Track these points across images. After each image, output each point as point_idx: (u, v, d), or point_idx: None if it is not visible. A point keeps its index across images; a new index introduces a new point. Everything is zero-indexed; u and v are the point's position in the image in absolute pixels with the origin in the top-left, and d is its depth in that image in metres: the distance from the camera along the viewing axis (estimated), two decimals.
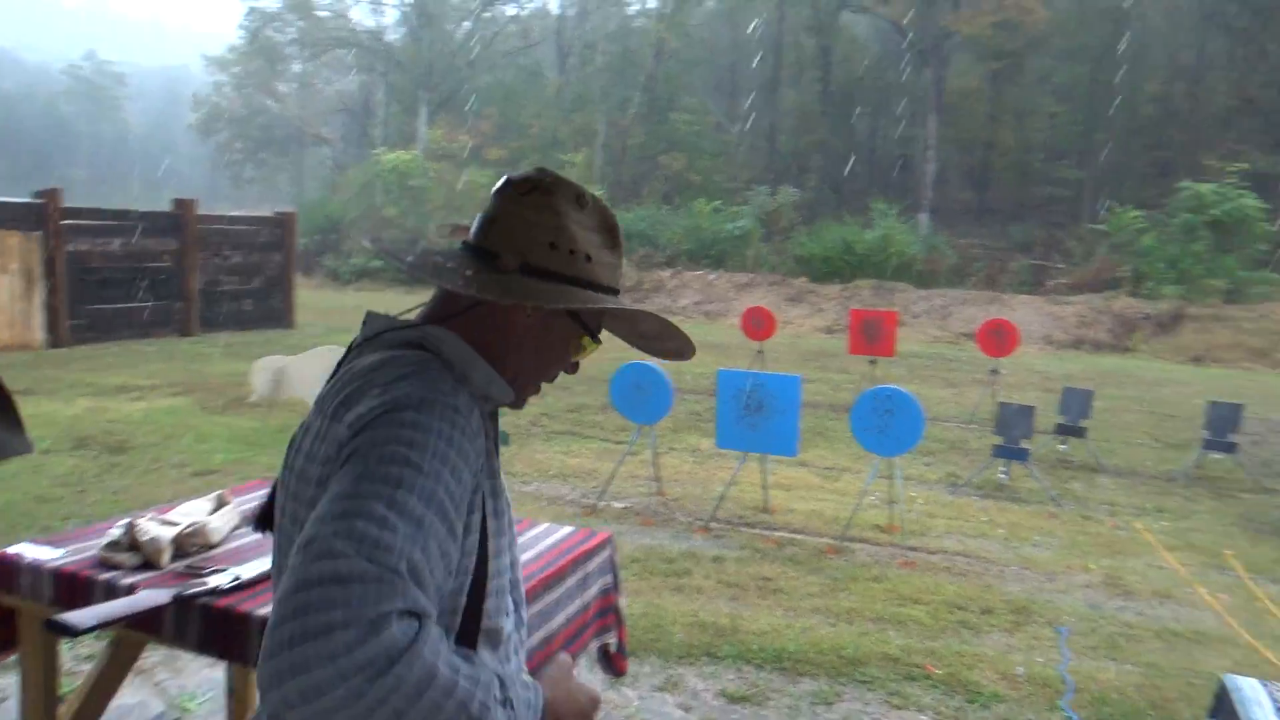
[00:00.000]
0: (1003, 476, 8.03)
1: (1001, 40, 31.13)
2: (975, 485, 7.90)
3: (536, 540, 2.51)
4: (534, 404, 10.91)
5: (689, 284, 25.94)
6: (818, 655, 4.40)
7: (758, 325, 12.99)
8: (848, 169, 34.23)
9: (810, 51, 36.95)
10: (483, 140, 37.80)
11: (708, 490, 7.31)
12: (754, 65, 38.34)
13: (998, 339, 11.01)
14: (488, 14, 45.53)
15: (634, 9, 43.99)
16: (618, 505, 6.88)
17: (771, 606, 5.03)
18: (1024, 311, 21.83)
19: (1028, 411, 7.74)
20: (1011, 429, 7.72)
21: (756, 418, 6.43)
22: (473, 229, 1.24)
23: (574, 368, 1.31)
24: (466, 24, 45.89)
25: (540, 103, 40.48)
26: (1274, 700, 2.03)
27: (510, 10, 46.65)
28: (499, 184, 1.24)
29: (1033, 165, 33.23)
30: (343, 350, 1.33)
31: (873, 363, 12.09)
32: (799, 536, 6.29)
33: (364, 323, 1.26)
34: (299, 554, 0.92)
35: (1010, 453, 7.74)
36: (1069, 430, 8.90)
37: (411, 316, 1.28)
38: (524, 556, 2.39)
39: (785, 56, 37.88)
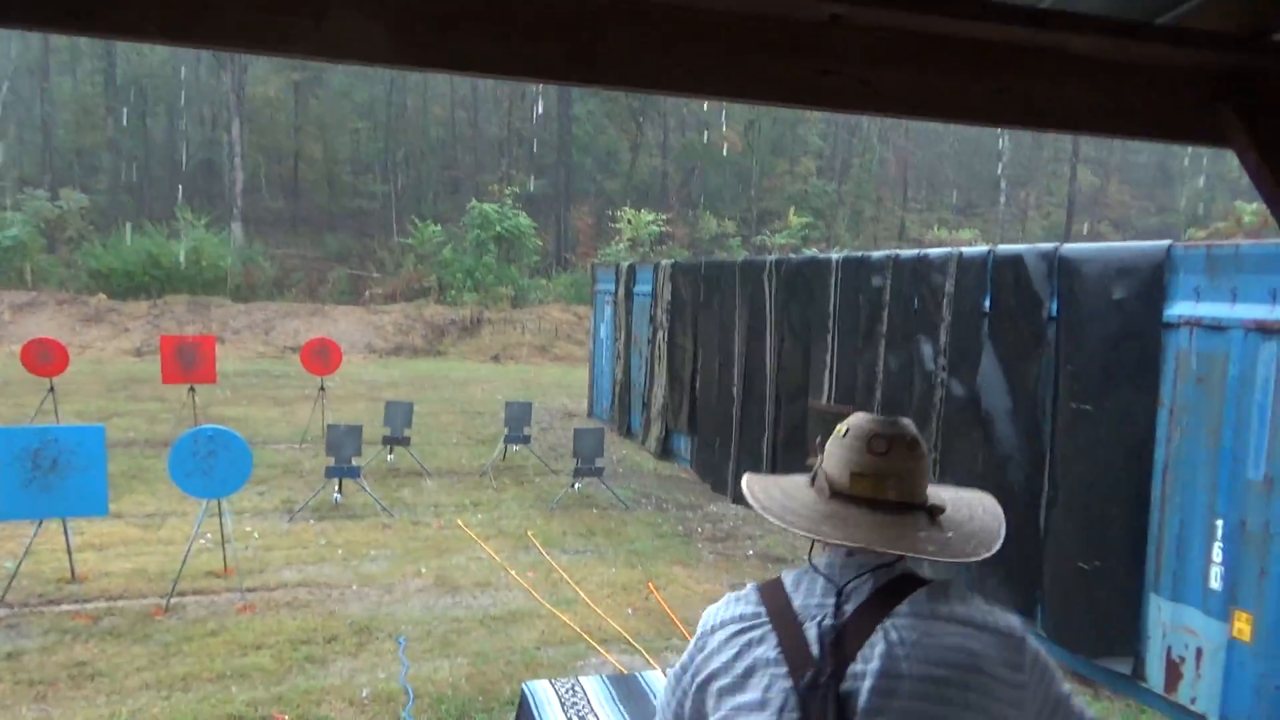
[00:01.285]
0: (337, 497, 8.20)
1: None
2: (312, 509, 7.94)
3: None
4: None
5: None
6: None
7: (45, 360, 11.08)
8: (145, 173, 31.28)
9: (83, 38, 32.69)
10: None
11: None
12: (13, 44, 32.58)
13: (322, 358, 11.16)
14: None
15: None
16: None
17: (90, 696, 4.42)
18: (346, 322, 22.51)
19: (356, 430, 8.03)
20: (342, 449, 7.93)
21: (50, 478, 5.54)
22: (883, 486, 1.34)
23: None
24: None
25: None
26: (559, 696, 2.47)
27: None
28: (883, 442, 1.34)
29: (341, 178, 34.35)
30: None
31: (192, 390, 11.31)
32: (119, 604, 5.62)
33: (877, 569, 1.32)
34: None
35: (342, 471, 7.95)
36: (395, 441, 9.49)
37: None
38: None
39: (54, 39, 32.92)
